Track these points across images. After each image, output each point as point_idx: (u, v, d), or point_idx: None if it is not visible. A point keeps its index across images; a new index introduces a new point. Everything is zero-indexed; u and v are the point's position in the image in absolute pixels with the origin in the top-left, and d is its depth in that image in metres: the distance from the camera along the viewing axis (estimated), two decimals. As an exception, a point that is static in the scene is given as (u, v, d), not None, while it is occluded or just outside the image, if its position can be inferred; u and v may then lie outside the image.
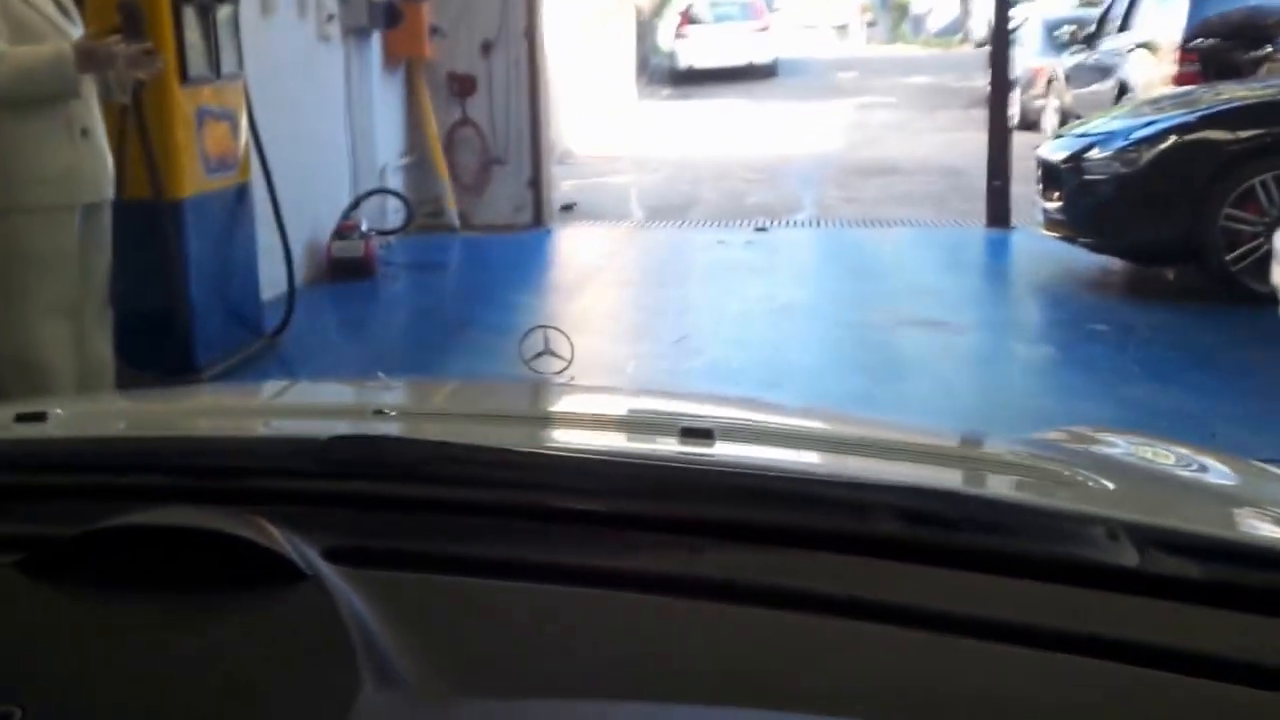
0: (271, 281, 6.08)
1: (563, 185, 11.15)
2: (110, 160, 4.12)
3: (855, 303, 6.96)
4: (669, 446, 1.28)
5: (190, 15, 5.20)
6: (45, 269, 3.93)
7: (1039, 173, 7.41)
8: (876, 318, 6.54)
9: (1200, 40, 10.38)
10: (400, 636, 0.83)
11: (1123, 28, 12.02)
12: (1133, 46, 11.51)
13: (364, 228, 7.90)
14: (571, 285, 8.03)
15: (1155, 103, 7.77)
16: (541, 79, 9.73)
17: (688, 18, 23.57)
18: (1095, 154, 6.87)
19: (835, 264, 8.50)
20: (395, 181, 9.02)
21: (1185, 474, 1.47)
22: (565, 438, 1.60)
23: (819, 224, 9.81)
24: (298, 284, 6.29)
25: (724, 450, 1.26)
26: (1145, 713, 0.80)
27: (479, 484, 1.05)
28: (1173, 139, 6.68)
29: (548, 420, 1.73)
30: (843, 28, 37.76)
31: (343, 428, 1.27)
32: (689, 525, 0.98)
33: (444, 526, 1.01)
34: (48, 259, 3.93)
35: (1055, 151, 7.28)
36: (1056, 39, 14.36)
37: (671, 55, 23.94)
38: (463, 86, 9.57)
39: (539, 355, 3.33)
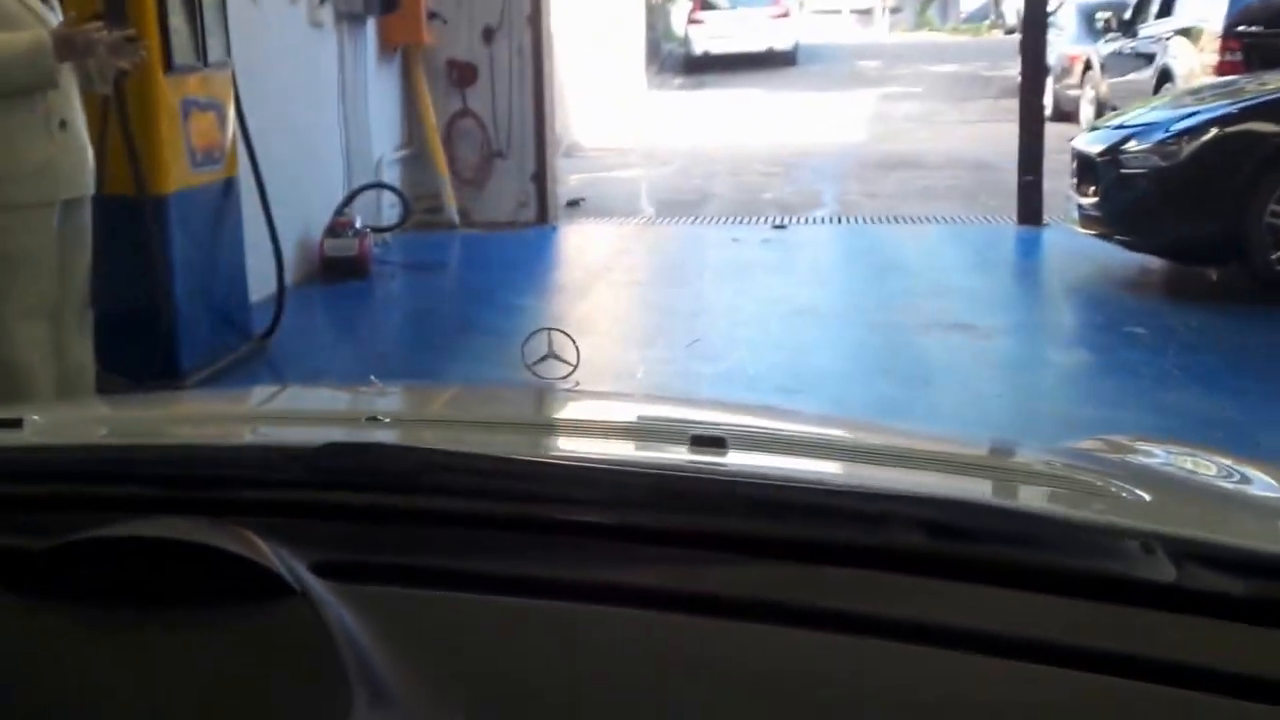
0: (260, 281, 6.10)
1: (569, 180, 11.16)
2: (90, 154, 4.13)
3: (879, 304, 6.96)
4: (678, 455, 1.28)
5: (175, 0, 5.22)
6: (22, 269, 3.94)
7: (1073, 167, 7.41)
8: (901, 320, 6.53)
9: (1244, 27, 10.37)
10: (393, 655, 0.83)
11: (1162, 13, 12.00)
12: (1172, 33, 11.49)
13: (358, 225, 7.91)
14: (577, 285, 8.03)
15: (1196, 92, 7.77)
16: (546, 67, 9.73)
17: (702, 2, 23.59)
18: (1133, 147, 6.86)
19: (857, 263, 8.49)
20: (391, 176, 9.04)
21: (1227, 485, 1.47)
22: (569, 446, 1.60)
23: (840, 221, 9.81)
24: (288, 284, 6.30)
25: (737, 460, 1.26)
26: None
27: (477, 494, 1.05)
28: (1215, 131, 6.66)
29: (551, 427, 1.73)
30: (866, 13, 37.78)
31: (335, 435, 1.28)
32: (698, 538, 0.99)
33: (440, 539, 1.01)
34: (25, 258, 3.94)
35: (1091, 144, 7.28)
36: (1093, 24, 14.35)
37: (685, 42, 23.96)
38: (463, 75, 9.59)
39: (543, 359, 3.34)
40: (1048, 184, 8.78)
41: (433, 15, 9.27)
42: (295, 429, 1.65)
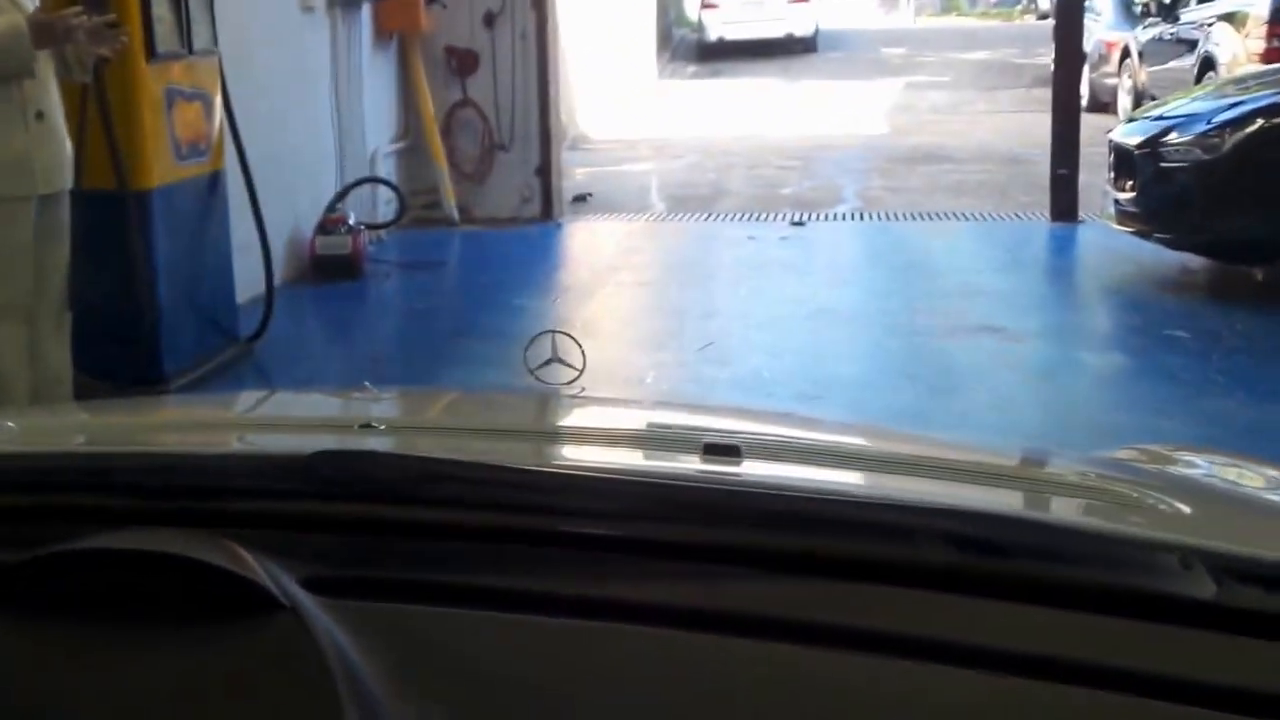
0: (248, 281, 6.11)
1: (575, 174, 11.17)
2: (69, 146, 4.15)
3: (903, 306, 6.95)
4: (690, 464, 1.28)
5: (159, -16, 5.24)
6: (-4, 267, 3.96)
7: (1110, 160, 7.40)
8: (927, 322, 6.53)
9: (1293, 11, 10.34)
10: (386, 674, 0.83)
11: (1204, -3, 11.99)
12: (1216, 18, 11.47)
13: (352, 221, 7.92)
14: (584, 286, 8.04)
15: (1241, 82, 7.76)
16: (552, 54, 9.74)
17: (716, -14, 23.60)
18: (1174, 139, 6.85)
19: (880, 262, 8.49)
20: (387, 170, 9.05)
21: (1274, 497, 1.47)
22: (573, 454, 1.61)
23: (862, 217, 9.80)
24: (277, 284, 6.31)
25: (752, 469, 1.26)
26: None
27: (476, 505, 1.05)
28: (1260, 122, 6.65)
29: (554, 435, 1.73)
30: (890, -3, 37.76)
31: (326, 443, 1.28)
32: (711, 552, 0.99)
33: (437, 552, 1.02)
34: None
35: (1129, 136, 7.27)
36: (1131, 9, 14.33)
37: (699, 27, 23.96)
38: (463, 63, 9.59)
39: (546, 363, 3.35)
40: (1083, 178, 8.77)
41: (431, 0, 9.29)
42: (284, 436, 1.65)
